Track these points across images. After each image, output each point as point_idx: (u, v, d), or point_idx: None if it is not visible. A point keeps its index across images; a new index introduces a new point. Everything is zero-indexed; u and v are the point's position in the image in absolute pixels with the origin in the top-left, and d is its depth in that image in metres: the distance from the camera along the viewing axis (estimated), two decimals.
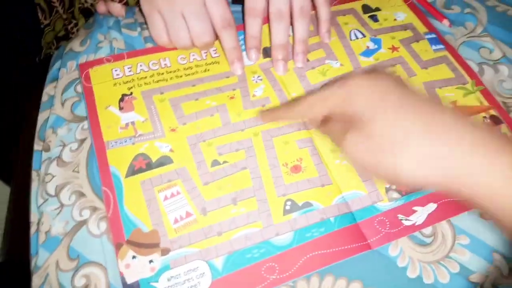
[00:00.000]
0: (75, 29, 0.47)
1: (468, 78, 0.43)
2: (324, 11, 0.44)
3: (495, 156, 0.25)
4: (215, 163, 0.37)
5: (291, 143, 0.38)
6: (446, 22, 0.47)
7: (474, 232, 0.35)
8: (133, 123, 0.39)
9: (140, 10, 0.43)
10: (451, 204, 0.35)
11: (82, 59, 0.45)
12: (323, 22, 0.45)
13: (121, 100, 0.40)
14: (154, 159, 0.37)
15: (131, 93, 0.41)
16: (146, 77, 0.42)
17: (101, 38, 0.46)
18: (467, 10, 0.49)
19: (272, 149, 0.38)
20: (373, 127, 0.28)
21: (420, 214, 0.35)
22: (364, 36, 0.46)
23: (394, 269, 0.33)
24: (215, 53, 0.44)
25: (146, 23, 0.44)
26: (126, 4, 0.45)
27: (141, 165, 0.37)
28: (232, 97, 0.41)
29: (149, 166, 0.37)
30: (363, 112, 0.29)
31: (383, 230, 0.34)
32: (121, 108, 0.40)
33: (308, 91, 0.42)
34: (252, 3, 0.42)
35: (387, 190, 0.36)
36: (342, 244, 0.33)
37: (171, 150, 0.38)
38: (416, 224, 0.34)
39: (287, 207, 0.35)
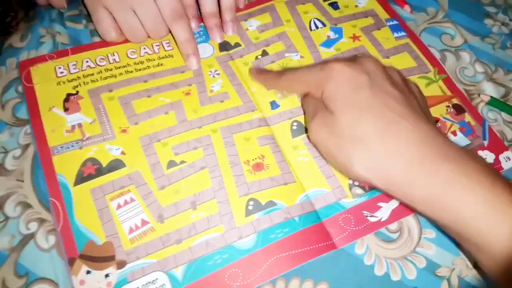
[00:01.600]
0: (14, 23, 0.43)
1: (430, 67, 0.42)
2: None
3: (435, 167, 0.27)
4: (171, 164, 0.35)
5: (252, 140, 0.36)
6: (407, 8, 0.46)
7: None
8: (80, 125, 0.36)
9: (84, 4, 0.40)
10: None
11: (23, 56, 0.41)
12: (224, 11, 0.42)
13: (66, 100, 0.37)
14: (104, 163, 0.34)
15: (77, 92, 0.38)
16: (93, 74, 0.39)
17: (43, 32, 0.42)
18: None
19: (232, 146, 0.36)
20: (337, 119, 0.30)
21: (385, 210, 0.34)
22: (324, 25, 0.44)
23: (361, 267, 0.32)
24: (168, 46, 0.42)
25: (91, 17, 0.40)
26: None
27: (91, 171, 0.34)
28: (187, 93, 0.39)
29: (99, 171, 0.34)
30: (333, 100, 0.31)
31: (348, 228, 0.33)
32: (66, 109, 0.37)
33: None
34: None
35: (351, 186, 0.35)
36: (307, 245, 0.32)
37: (122, 153, 0.35)
38: (382, 220, 0.33)
39: (250, 207, 0.33)
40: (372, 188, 0.35)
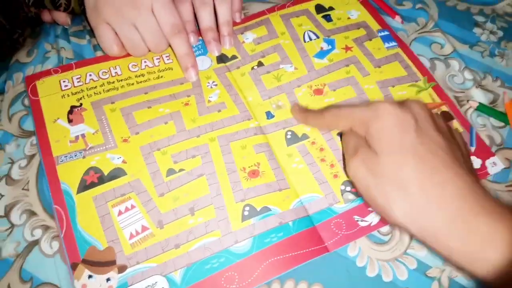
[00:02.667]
0: (21, 39, 0.45)
1: (420, 75, 0.43)
2: (222, 12, 0.44)
3: (476, 222, 0.27)
4: (170, 172, 0.36)
5: (248, 148, 0.38)
6: (398, 18, 0.48)
7: None
8: (83, 135, 0.38)
9: (87, 20, 0.41)
10: None
11: (29, 71, 0.43)
12: (221, 25, 0.45)
13: (70, 112, 0.39)
14: (106, 172, 0.36)
15: (81, 104, 0.40)
16: (96, 87, 0.41)
17: (48, 48, 0.44)
18: (419, 5, 0.50)
19: (229, 154, 0.38)
20: (380, 160, 0.30)
21: (375, 214, 0.35)
22: (318, 37, 0.46)
23: (354, 269, 0.33)
24: (168, 59, 0.43)
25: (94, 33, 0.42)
26: (72, 13, 0.44)
27: (93, 180, 0.35)
28: (186, 104, 0.40)
29: (101, 180, 0.36)
30: (377, 140, 0.31)
31: (340, 232, 0.34)
32: (70, 121, 0.39)
33: (263, 94, 0.42)
34: None
35: (343, 192, 0.36)
36: (301, 248, 0.33)
37: (123, 162, 0.37)
38: (372, 224, 0.35)
39: (246, 213, 0.35)
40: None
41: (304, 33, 0.46)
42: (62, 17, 0.44)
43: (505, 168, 0.38)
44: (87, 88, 0.41)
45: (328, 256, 0.33)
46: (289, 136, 0.39)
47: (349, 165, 0.32)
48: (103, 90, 0.41)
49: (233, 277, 0.32)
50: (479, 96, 0.43)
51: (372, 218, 0.35)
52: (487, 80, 0.44)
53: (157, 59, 0.43)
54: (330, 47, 0.45)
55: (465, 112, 0.42)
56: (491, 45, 0.47)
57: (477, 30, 0.48)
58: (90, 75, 0.42)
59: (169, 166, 0.37)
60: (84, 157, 0.37)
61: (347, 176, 0.35)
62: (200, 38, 0.45)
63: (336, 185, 0.36)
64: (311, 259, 0.33)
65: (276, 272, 0.32)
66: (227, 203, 0.35)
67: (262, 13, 0.48)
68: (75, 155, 0.37)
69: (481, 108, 0.41)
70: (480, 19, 0.49)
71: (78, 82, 0.41)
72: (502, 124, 0.41)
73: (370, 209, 0.35)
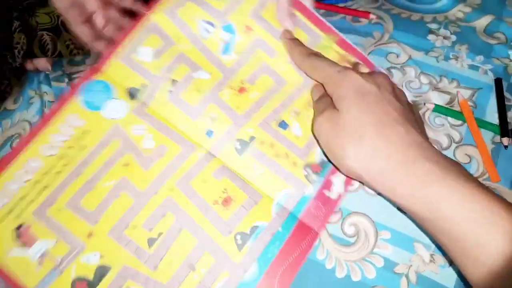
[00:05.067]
0: (8, 88, 0.49)
1: (321, 33, 0.43)
2: None
3: (417, 166, 0.31)
4: (151, 241, 0.35)
5: (209, 179, 0.37)
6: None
7: (394, 226, 0.37)
8: (46, 252, 0.34)
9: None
10: None
11: (16, 116, 0.46)
12: None
13: (18, 236, 0.35)
14: (91, 276, 0.34)
15: (23, 223, 0.35)
16: (27, 195, 0.36)
17: (32, 94, 0.48)
18: (375, 20, 0.53)
19: (195, 195, 0.37)
20: (341, 115, 0.35)
21: (336, 182, 0.38)
22: (213, 26, 0.41)
23: (323, 272, 0.35)
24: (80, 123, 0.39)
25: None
26: (59, 55, 0.48)
27: None
28: (126, 165, 0.37)
29: (92, 285, 0.33)
30: (341, 99, 0.35)
31: (320, 213, 0.37)
32: (23, 245, 0.34)
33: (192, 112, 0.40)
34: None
35: (306, 176, 0.38)
36: (298, 246, 0.36)
37: (101, 257, 0.34)
38: (340, 191, 0.38)
39: (239, 242, 0.35)
40: (321, 169, 0.39)
41: (198, 26, 0.41)
42: (42, 62, 0.48)
43: (465, 163, 0.40)
44: (19, 199, 0.36)
45: None
46: (238, 147, 0.39)
47: (315, 122, 0.37)
48: (36, 194, 0.36)
49: None
50: (436, 99, 0.45)
51: (337, 187, 0.38)
52: (443, 83, 0.46)
53: (68, 127, 0.39)
54: (231, 35, 0.42)
55: (423, 115, 0.44)
56: (445, 49, 0.49)
57: (431, 37, 0.50)
58: (11, 184, 0.36)
59: (147, 236, 0.35)
60: (61, 272, 0.34)
61: (312, 132, 0.39)
62: (101, 79, 0.40)
63: (298, 172, 0.38)
64: (310, 250, 0.36)
65: (290, 278, 0.35)
66: (218, 241, 0.35)
67: (142, 15, 0.42)
68: (52, 276, 0.34)
69: (437, 109, 0.43)
70: (433, 26, 0.51)
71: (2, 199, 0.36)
72: (459, 122, 0.43)
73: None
